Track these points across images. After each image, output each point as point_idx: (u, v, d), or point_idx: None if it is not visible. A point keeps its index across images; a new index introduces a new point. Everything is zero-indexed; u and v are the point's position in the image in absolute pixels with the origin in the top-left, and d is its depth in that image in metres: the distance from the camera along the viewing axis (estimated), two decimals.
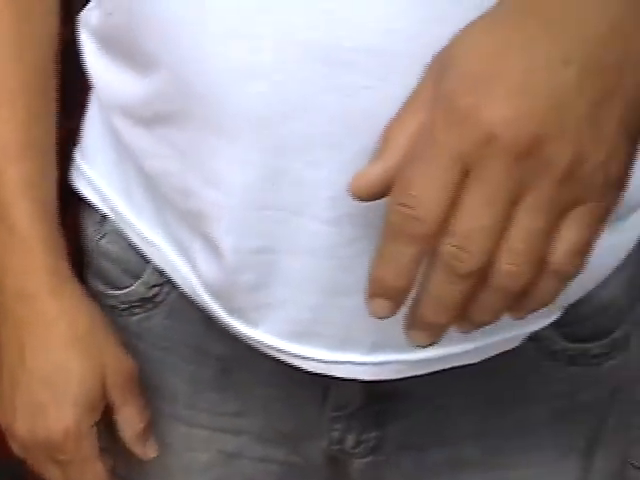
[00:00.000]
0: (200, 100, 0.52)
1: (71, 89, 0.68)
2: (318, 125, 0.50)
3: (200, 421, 0.69)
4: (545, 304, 0.46)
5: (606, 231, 0.45)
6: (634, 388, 0.73)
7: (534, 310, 0.46)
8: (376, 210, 0.46)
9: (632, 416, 0.75)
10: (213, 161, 0.53)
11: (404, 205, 0.43)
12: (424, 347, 0.47)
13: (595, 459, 0.70)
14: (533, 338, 0.63)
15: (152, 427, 0.67)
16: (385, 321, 0.47)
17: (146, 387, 0.69)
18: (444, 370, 0.60)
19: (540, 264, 0.43)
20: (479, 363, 0.61)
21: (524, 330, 0.61)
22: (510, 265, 0.43)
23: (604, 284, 0.64)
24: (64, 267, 0.65)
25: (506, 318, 0.51)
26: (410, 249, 0.43)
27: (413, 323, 0.46)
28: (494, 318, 0.46)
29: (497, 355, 0.61)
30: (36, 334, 0.63)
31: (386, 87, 0.48)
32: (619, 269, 0.65)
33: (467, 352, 0.59)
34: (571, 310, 0.62)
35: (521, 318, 0.47)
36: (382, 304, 0.45)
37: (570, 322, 0.64)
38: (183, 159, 0.55)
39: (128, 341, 0.68)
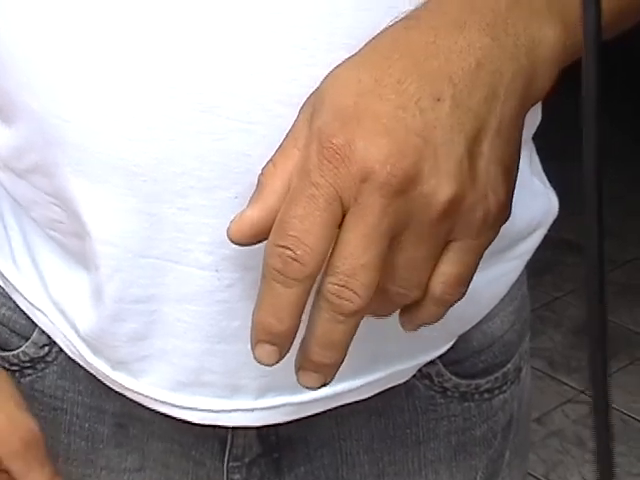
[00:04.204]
0: (66, 149, 0.52)
1: None
2: (190, 170, 0.50)
3: (99, 479, 0.68)
4: (431, 322, 0.47)
5: (491, 262, 0.46)
6: (528, 419, 0.75)
7: (422, 324, 0.47)
8: (255, 253, 0.46)
9: (527, 446, 0.76)
10: (88, 210, 0.53)
11: (283, 247, 0.42)
12: (316, 389, 0.47)
13: None
14: (425, 376, 0.64)
15: None
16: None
17: None
18: (340, 410, 0.60)
19: (423, 287, 0.45)
20: (373, 401, 0.61)
21: (412, 363, 0.61)
22: (398, 289, 0.44)
23: (491, 317, 0.65)
24: None
25: (394, 351, 0.52)
26: (291, 291, 0.43)
27: (302, 365, 0.46)
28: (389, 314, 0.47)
29: (390, 393, 0.62)
30: None
31: (257, 129, 0.48)
32: (506, 302, 0.66)
33: (357, 389, 0.59)
34: (460, 346, 0.64)
35: (413, 329, 0.48)
36: (267, 350, 0.45)
37: (460, 359, 0.65)
38: (62, 207, 0.55)
39: None
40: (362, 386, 0.59)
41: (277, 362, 0.46)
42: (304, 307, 0.44)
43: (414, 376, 0.63)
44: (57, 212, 0.56)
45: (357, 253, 0.42)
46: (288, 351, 0.45)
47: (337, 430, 0.64)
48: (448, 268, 0.44)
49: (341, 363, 0.46)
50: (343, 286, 0.42)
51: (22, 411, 0.61)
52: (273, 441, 0.64)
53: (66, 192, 0.53)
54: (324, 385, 0.47)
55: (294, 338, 0.45)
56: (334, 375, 0.46)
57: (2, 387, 0.61)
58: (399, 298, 0.45)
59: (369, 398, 0.61)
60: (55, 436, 0.67)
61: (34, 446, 0.60)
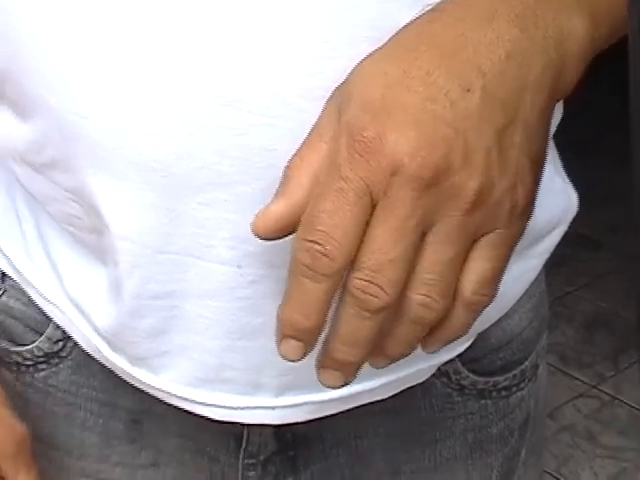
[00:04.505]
0: (84, 144, 0.51)
1: None
2: (210, 164, 0.49)
3: (113, 475, 0.67)
4: (458, 335, 0.46)
5: (512, 260, 0.45)
6: (543, 415, 0.74)
7: (447, 342, 0.46)
8: (279, 249, 0.45)
9: (543, 443, 0.76)
10: (107, 205, 0.52)
11: (312, 241, 0.42)
12: (337, 388, 0.46)
13: None
14: (442, 373, 0.63)
15: None
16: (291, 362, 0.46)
17: (53, 445, 0.67)
18: (356, 410, 0.60)
19: (451, 294, 0.43)
20: (390, 401, 0.60)
21: (432, 362, 0.61)
22: (422, 296, 0.43)
23: (510, 315, 0.65)
24: None
25: (414, 351, 0.51)
26: (319, 287, 0.42)
27: (325, 363, 0.45)
28: (408, 350, 0.46)
29: (408, 392, 0.61)
30: None
31: (279, 124, 0.48)
32: (525, 299, 0.66)
33: (376, 388, 0.59)
34: (478, 343, 0.63)
35: (434, 352, 0.47)
36: (293, 345, 0.44)
37: (478, 356, 0.64)
38: (79, 202, 0.54)
39: (33, 398, 0.66)
40: (381, 386, 0.59)
41: (302, 358, 0.45)
42: (331, 303, 0.43)
43: (432, 374, 0.62)
44: (75, 207, 0.55)
45: (385, 248, 0.42)
46: (314, 347, 0.45)
47: (353, 428, 0.64)
48: (479, 265, 0.43)
49: (364, 362, 0.45)
50: (369, 282, 0.42)
51: (10, 413, 0.61)
52: (289, 439, 0.63)
53: (84, 188, 0.53)
54: (345, 384, 0.46)
55: (320, 334, 0.44)
56: (356, 374, 0.46)
57: None
58: (421, 311, 0.43)
59: (387, 397, 0.60)
60: (69, 431, 0.67)
61: (23, 448, 0.60)
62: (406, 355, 0.46)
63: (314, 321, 0.44)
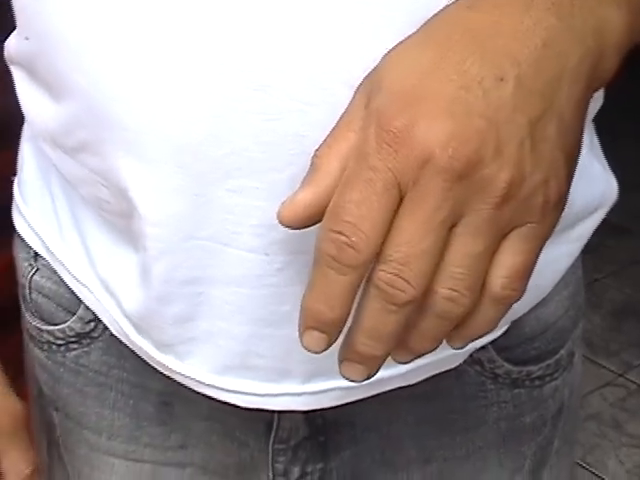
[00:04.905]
0: (116, 127, 0.50)
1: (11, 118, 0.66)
2: (240, 150, 0.48)
3: (142, 456, 0.67)
4: (485, 331, 0.44)
5: (549, 242, 0.44)
6: (577, 405, 0.74)
7: (474, 338, 0.45)
8: (307, 236, 0.44)
9: (576, 433, 0.75)
10: (137, 190, 0.51)
11: (337, 232, 0.41)
12: (359, 381, 0.45)
13: (542, 479, 0.70)
14: (476, 361, 0.62)
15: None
16: None
17: (84, 424, 0.67)
18: (387, 395, 0.59)
19: (479, 289, 0.42)
20: (422, 387, 0.60)
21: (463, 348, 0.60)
22: (449, 290, 0.42)
23: (545, 303, 0.64)
24: None
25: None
26: (344, 279, 0.41)
27: (347, 356, 0.44)
28: (433, 346, 0.45)
29: (440, 379, 0.60)
30: None
31: (312, 110, 0.47)
32: (561, 287, 0.65)
33: (405, 374, 0.58)
34: (513, 332, 0.62)
35: (460, 348, 0.46)
36: (315, 337, 0.43)
37: (512, 345, 0.64)
38: (108, 185, 0.54)
39: (65, 378, 0.67)
40: (410, 371, 0.58)
41: (325, 350, 0.44)
42: (356, 295, 0.42)
43: (465, 361, 0.61)
44: (104, 191, 0.55)
45: (413, 241, 0.41)
46: (336, 339, 0.44)
47: (384, 414, 0.63)
48: (509, 258, 0.42)
49: (387, 356, 0.44)
50: (396, 275, 0.41)
51: (8, 390, 0.61)
52: (319, 424, 0.63)
53: (114, 171, 0.52)
54: (367, 378, 0.45)
55: (344, 326, 0.43)
56: (379, 367, 0.45)
57: None
58: (447, 305, 0.42)
59: (418, 383, 0.60)
60: (99, 411, 0.67)
61: (20, 427, 0.61)
62: (431, 350, 0.45)
63: (338, 313, 0.43)
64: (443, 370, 0.60)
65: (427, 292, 0.42)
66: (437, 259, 0.41)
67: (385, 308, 0.42)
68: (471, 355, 0.61)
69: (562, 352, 0.67)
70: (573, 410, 0.71)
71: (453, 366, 0.60)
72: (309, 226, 0.44)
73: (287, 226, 0.44)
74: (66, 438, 0.69)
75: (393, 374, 0.57)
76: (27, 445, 0.61)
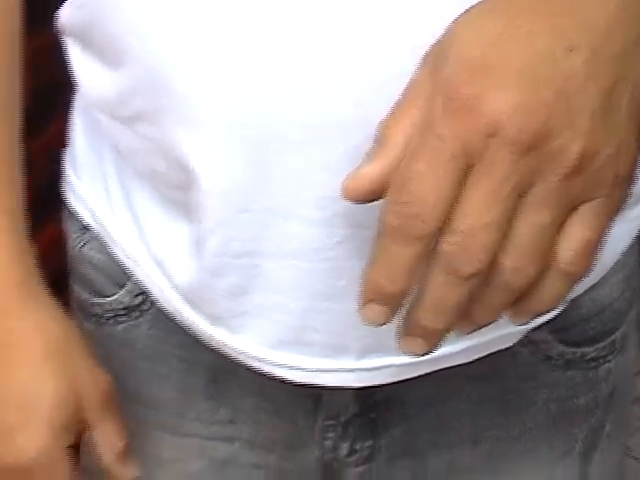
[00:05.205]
0: (174, 95, 0.50)
1: (59, 89, 0.66)
2: (303, 121, 0.47)
3: (190, 430, 0.67)
4: (550, 307, 0.44)
5: None
6: (630, 388, 0.72)
7: (538, 313, 0.44)
8: (367, 209, 0.44)
9: (629, 415, 0.74)
10: (194, 160, 0.51)
11: (403, 203, 0.40)
12: (420, 356, 0.44)
13: (593, 462, 0.69)
14: (530, 342, 0.62)
15: (131, 446, 0.64)
16: None
17: (132, 397, 0.67)
18: (440, 373, 0.58)
19: (546, 262, 0.41)
20: (475, 366, 0.59)
21: (517, 328, 0.59)
22: (514, 262, 0.41)
23: (602, 284, 0.63)
24: (35, 281, 0.60)
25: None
26: (409, 250, 0.41)
27: (408, 330, 0.43)
28: (495, 317, 0.44)
29: (493, 358, 0.60)
30: (6, 352, 0.58)
31: (375, 80, 0.46)
32: (617, 268, 0.63)
33: (459, 352, 0.57)
34: (568, 313, 0.61)
35: (523, 324, 0.45)
36: (377, 310, 0.43)
37: (567, 326, 0.63)
38: (165, 156, 0.53)
39: (113, 350, 0.66)
40: (464, 350, 0.57)
41: (384, 324, 0.44)
42: (420, 268, 0.42)
43: (519, 342, 0.60)
44: (160, 162, 0.54)
45: (479, 212, 0.40)
46: (397, 313, 0.43)
47: (436, 392, 0.63)
48: (578, 232, 0.41)
49: (450, 330, 0.44)
50: (461, 247, 0.40)
51: (95, 363, 0.61)
52: (371, 401, 0.63)
53: (172, 141, 0.52)
54: (428, 353, 0.45)
55: (405, 300, 0.43)
56: (440, 342, 0.44)
57: (80, 344, 0.61)
58: (512, 277, 0.41)
59: (472, 362, 0.59)
60: (148, 385, 0.67)
61: (110, 400, 0.60)
62: (492, 322, 0.44)
63: (400, 286, 0.42)
64: (497, 350, 0.59)
65: (492, 264, 0.41)
66: (504, 231, 0.40)
67: (449, 281, 0.41)
68: (526, 335, 0.60)
69: (617, 334, 0.65)
70: (625, 394, 0.71)
71: (508, 346, 0.60)
72: (373, 200, 0.43)
73: (351, 200, 0.43)
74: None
75: (447, 352, 0.56)
76: (119, 418, 0.61)
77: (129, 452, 0.62)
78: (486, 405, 0.64)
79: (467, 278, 0.41)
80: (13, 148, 0.61)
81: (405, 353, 0.44)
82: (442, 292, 0.41)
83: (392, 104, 0.43)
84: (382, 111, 0.43)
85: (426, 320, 0.43)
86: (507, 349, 0.60)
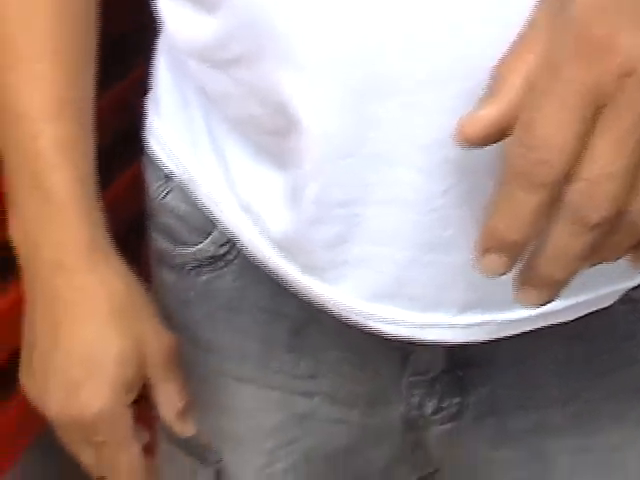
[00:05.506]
0: (276, 37, 0.48)
1: (136, 35, 0.65)
2: (415, 62, 0.46)
3: (271, 383, 0.66)
4: None
5: None
6: None
7: None
8: (478, 155, 0.42)
9: None
10: (296, 104, 0.49)
11: (529, 148, 0.39)
12: (537, 307, 0.43)
13: None
14: (626, 301, 0.60)
15: (207, 397, 0.65)
16: (479, 277, 0.43)
17: (211, 349, 0.66)
18: (533, 333, 0.57)
19: None
20: (570, 326, 0.57)
21: (616, 287, 0.57)
22: None
23: None
24: (102, 238, 0.60)
25: (604, 272, 0.48)
26: (534, 197, 0.39)
27: (527, 280, 0.42)
28: (614, 261, 0.43)
29: (589, 318, 0.58)
30: (72, 310, 0.58)
31: (489, 21, 0.44)
32: None
33: (558, 311, 0.55)
34: None
35: None
36: (496, 260, 0.41)
37: None
38: (262, 100, 0.52)
39: (194, 301, 0.65)
40: (564, 309, 0.55)
41: (503, 274, 0.42)
42: (544, 217, 0.40)
43: (618, 300, 0.59)
44: (256, 107, 0.53)
45: (608, 159, 0.38)
46: (516, 263, 0.42)
47: (528, 350, 0.61)
48: None
49: (571, 280, 0.42)
50: (588, 195, 0.38)
51: (159, 321, 0.61)
52: (459, 358, 0.61)
53: (272, 85, 0.50)
54: (546, 303, 0.43)
55: (526, 249, 0.41)
56: (559, 293, 0.43)
57: (146, 303, 0.60)
58: (637, 225, 0.40)
59: (569, 322, 0.57)
60: (230, 337, 0.66)
61: (173, 359, 0.60)
62: (611, 261, 0.43)
63: (523, 235, 0.40)
64: (597, 309, 0.58)
65: (618, 212, 0.39)
66: (633, 179, 0.39)
67: (574, 230, 0.39)
68: (626, 293, 0.59)
69: None
70: None
71: (607, 304, 0.58)
72: (489, 144, 0.41)
73: (466, 144, 0.41)
74: (193, 365, 0.69)
75: (546, 311, 0.54)
76: (181, 378, 0.61)
77: (189, 410, 0.62)
78: (575, 366, 0.63)
79: (592, 227, 0.39)
80: (88, 100, 0.61)
81: (522, 304, 0.43)
82: (565, 241, 0.40)
83: (507, 47, 0.41)
84: (495, 55, 0.41)
85: (547, 270, 0.41)
86: (604, 308, 0.58)
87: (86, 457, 0.61)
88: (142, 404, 0.60)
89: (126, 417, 0.58)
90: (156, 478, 0.63)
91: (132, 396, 0.59)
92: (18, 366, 0.61)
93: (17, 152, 0.58)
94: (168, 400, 0.61)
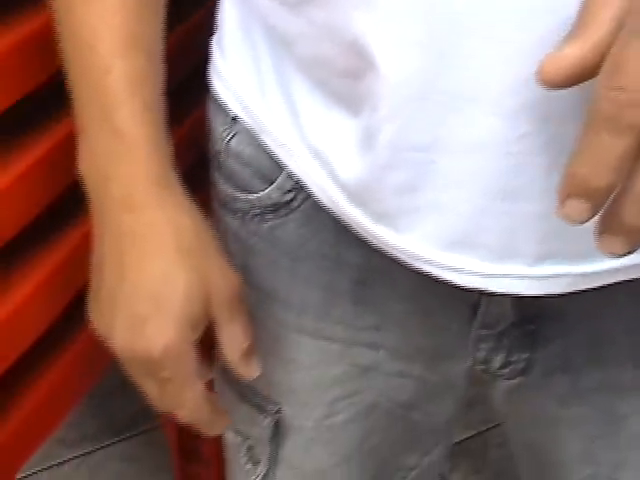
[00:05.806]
0: None
1: None
2: (494, 3, 0.44)
3: (333, 334, 0.65)
4: None
5: None
6: None
7: None
8: (557, 100, 0.41)
9: None
10: (371, 43, 0.47)
11: (618, 89, 0.37)
12: (618, 256, 0.41)
13: None
14: None
15: (267, 346, 0.64)
16: (556, 227, 0.42)
17: (273, 297, 0.65)
18: (605, 289, 0.55)
19: None
20: None
21: None
22: None
23: None
24: (171, 175, 0.59)
25: None
26: (622, 141, 0.37)
27: (610, 228, 0.40)
28: None
29: None
30: (139, 245, 0.57)
31: None
32: None
33: (634, 266, 0.53)
34: None
35: None
36: (578, 206, 0.39)
37: None
38: (336, 41, 0.50)
39: (256, 248, 0.64)
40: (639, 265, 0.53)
41: (586, 221, 0.40)
42: (630, 162, 0.38)
43: None
44: (328, 48, 0.51)
45: None
46: (600, 210, 0.40)
47: (600, 306, 0.59)
48: None
49: None
50: None
51: (227, 261, 0.60)
52: (530, 311, 0.59)
53: (346, 25, 0.49)
54: (629, 253, 0.41)
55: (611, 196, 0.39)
56: None
57: (213, 242, 0.59)
58: None
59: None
60: (291, 285, 0.64)
61: (239, 299, 0.59)
62: None
63: (608, 180, 0.39)
64: None
65: None
66: None
67: None
68: None
69: None
70: None
71: None
72: (573, 85, 0.39)
73: (548, 84, 0.39)
74: (254, 312, 0.68)
75: (622, 265, 0.52)
76: (246, 319, 0.60)
77: (254, 352, 0.61)
78: None
79: None
80: (158, 36, 0.60)
81: (603, 253, 0.41)
82: None
83: None
84: None
85: (631, 217, 0.39)
86: None
87: (151, 391, 0.60)
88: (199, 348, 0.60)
89: (191, 354, 0.57)
90: (220, 413, 0.62)
91: (197, 333, 0.58)
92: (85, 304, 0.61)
93: (88, 86, 0.57)
94: (233, 340, 0.59)
